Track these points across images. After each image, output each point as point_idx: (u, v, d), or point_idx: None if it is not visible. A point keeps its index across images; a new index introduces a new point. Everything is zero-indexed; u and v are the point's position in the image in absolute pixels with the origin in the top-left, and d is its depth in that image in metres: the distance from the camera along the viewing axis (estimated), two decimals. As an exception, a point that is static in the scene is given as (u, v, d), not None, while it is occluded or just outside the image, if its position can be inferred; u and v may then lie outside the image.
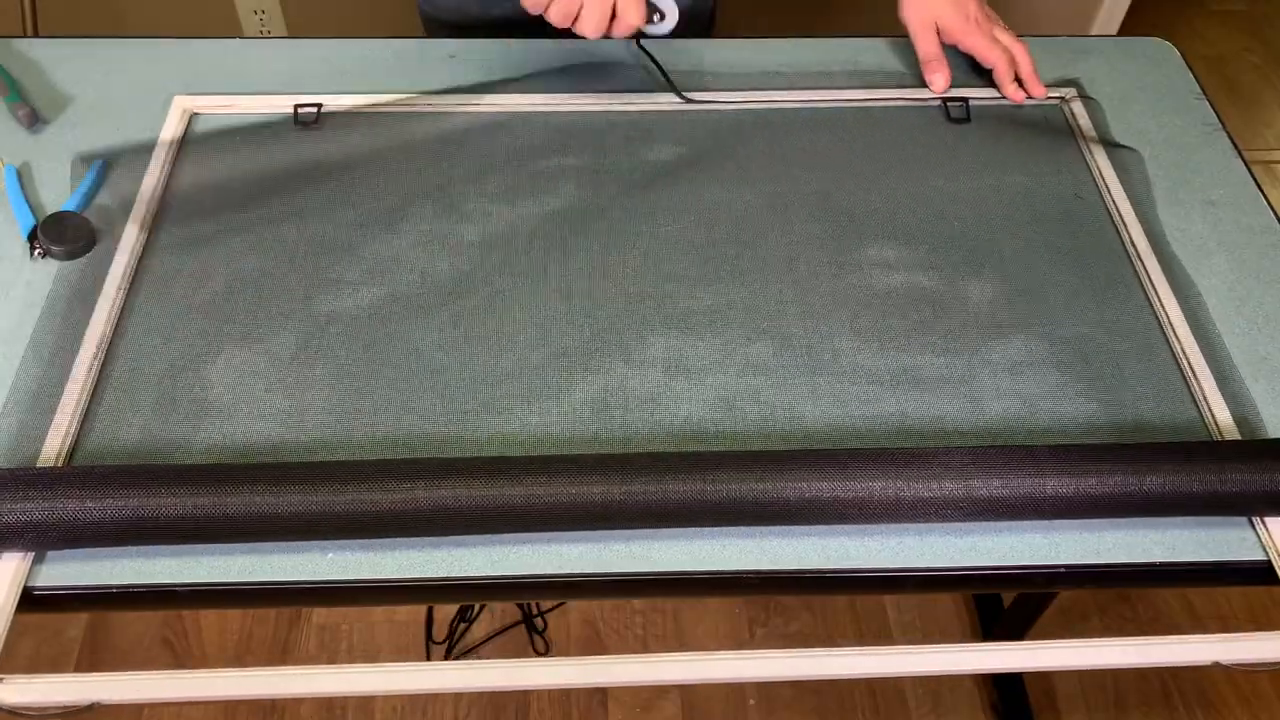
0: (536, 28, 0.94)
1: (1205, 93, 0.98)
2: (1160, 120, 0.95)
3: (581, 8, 0.82)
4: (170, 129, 0.88)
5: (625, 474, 0.63)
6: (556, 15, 0.83)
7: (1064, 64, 1.00)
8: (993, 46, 0.95)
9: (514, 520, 0.62)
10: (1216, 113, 0.96)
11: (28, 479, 0.61)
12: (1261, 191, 0.89)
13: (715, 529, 0.66)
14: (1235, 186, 0.89)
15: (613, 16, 0.83)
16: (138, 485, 0.60)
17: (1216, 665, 0.64)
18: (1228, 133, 0.94)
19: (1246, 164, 0.91)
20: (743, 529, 0.66)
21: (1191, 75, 1.00)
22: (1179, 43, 1.03)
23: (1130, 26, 1.82)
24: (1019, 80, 0.97)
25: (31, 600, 0.62)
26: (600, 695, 1.33)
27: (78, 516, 0.59)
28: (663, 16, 0.86)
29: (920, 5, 0.96)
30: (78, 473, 0.61)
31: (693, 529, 0.66)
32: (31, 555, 0.62)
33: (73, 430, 0.69)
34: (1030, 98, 0.97)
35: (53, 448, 0.68)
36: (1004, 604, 1.41)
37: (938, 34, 0.97)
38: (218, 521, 0.60)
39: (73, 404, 0.69)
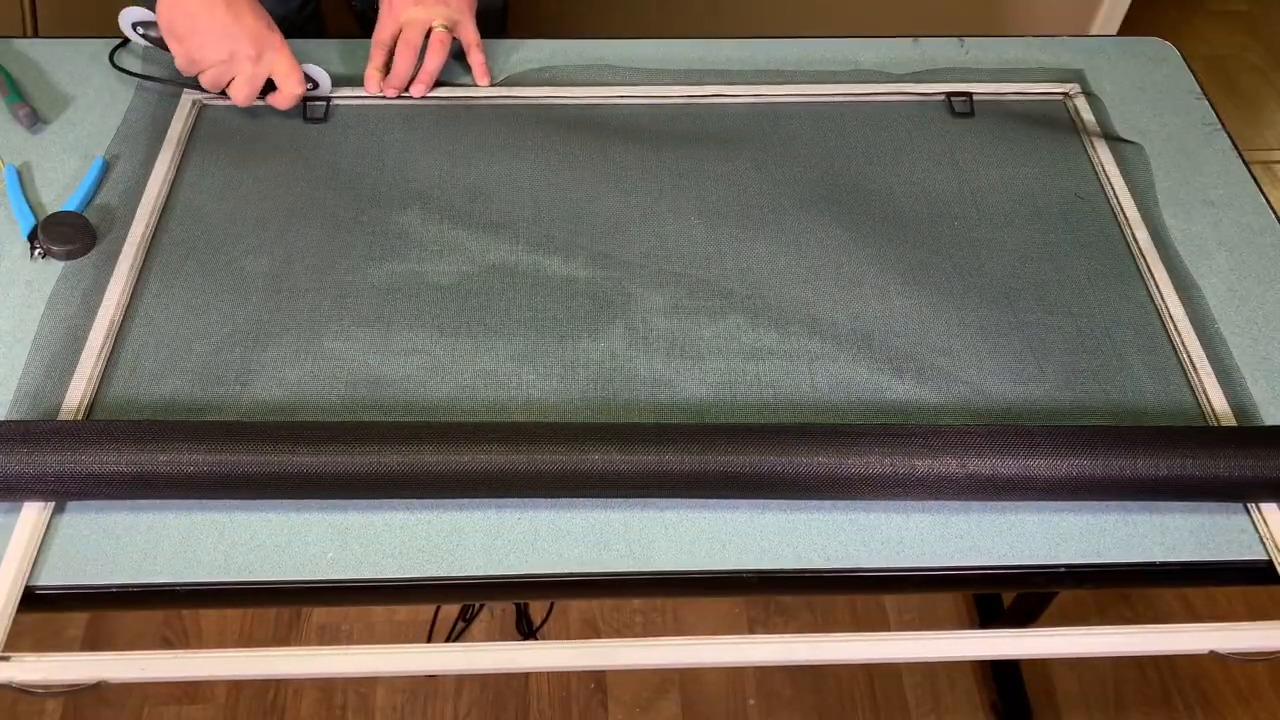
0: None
1: (1205, 92, 0.98)
2: (1160, 120, 0.95)
3: (233, 79, 0.85)
4: (179, 120, 0.89)
5: (627, 441, 0.64)
6: (208, 82, 0.85)
7: (1064, 64, 1.00)
8: (391, 26, 0.90)
9: (518, 483, 0.64)
10: (1216, 112, 0.96)
11: (48, 431, 0.63)
12: (1261, 191, 0.89)
13: (714, 518, 0.66)
14: (1235, 186, 0.89)
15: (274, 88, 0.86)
16: (153, 438, 0.62)
17: (1213, 654, 0.64)
18: (1227, 132, 0.94)
19: (1246, 164, 0.91)
20: (741, 522, 0.66)
21: (1191, 75, 1.00)
22: (1179, 43, 1.03)
23: (1130, 26, 1.82)
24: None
25: (33, 599, 0.62)
26: (600, 695, 1.33)
27: (93, 469, 0.61)
28: (316, 85, 0.91)
29: None
30: (95, 426, 0.64)
31: (689, 514, 0.66)
32: (35, 553, 0.64)
33: (90, 390, 0.71)
34: (385, 95, 0.92)
35: (71, 405, 0.70)
36: (1004, 604, 1.41)
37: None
38: (231, 478, 0.62)
39: (90, 366, 0.72)
